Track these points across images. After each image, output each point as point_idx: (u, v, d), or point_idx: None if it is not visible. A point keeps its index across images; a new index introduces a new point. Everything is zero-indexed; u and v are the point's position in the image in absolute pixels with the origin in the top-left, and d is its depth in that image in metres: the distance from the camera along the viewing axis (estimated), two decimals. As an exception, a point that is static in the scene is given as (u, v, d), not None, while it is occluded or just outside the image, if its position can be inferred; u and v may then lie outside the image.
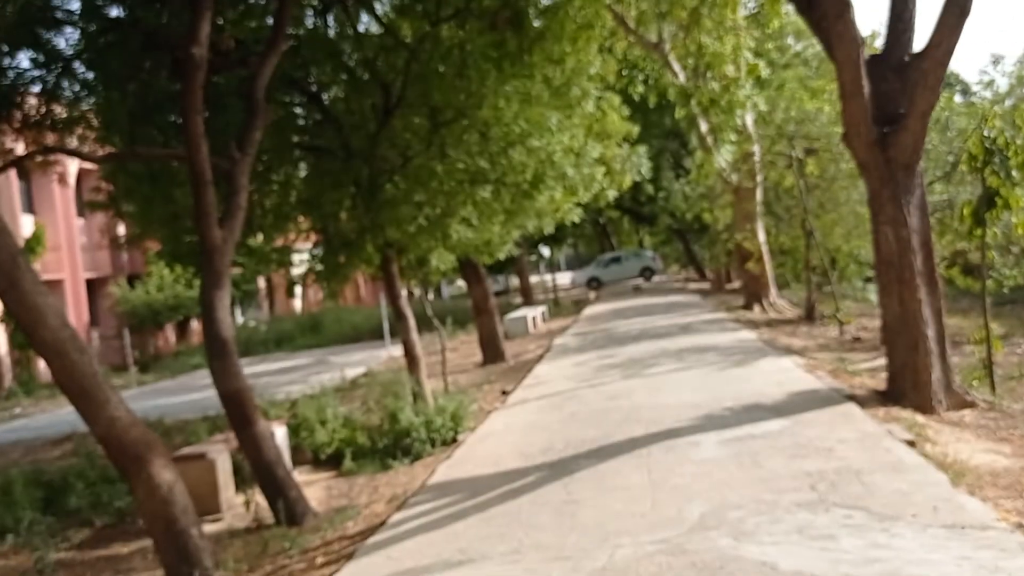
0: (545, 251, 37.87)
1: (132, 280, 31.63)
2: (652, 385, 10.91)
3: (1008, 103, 19.64)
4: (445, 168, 11.24)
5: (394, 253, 12.64)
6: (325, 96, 12.36)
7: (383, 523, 6.54)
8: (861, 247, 17.84)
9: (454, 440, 10.31)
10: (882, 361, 11.55)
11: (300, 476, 9.64)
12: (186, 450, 8.70)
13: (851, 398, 8.57)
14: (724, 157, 17.26)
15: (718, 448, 7.16)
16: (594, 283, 43.34)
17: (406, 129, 11.54)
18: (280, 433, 9.89)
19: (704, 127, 20.39)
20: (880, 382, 9.64)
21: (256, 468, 7.45)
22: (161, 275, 29.76)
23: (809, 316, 18.16)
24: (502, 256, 15.18)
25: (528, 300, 29.37)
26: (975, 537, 4.59)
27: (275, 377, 21.88)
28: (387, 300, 12.83)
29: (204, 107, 7.93)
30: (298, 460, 10.50)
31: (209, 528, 6.73)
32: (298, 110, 12.52)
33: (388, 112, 11.71)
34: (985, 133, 8.80)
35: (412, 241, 12.65)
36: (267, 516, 7.19)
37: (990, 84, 22.64)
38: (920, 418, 7.84)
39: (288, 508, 7.09)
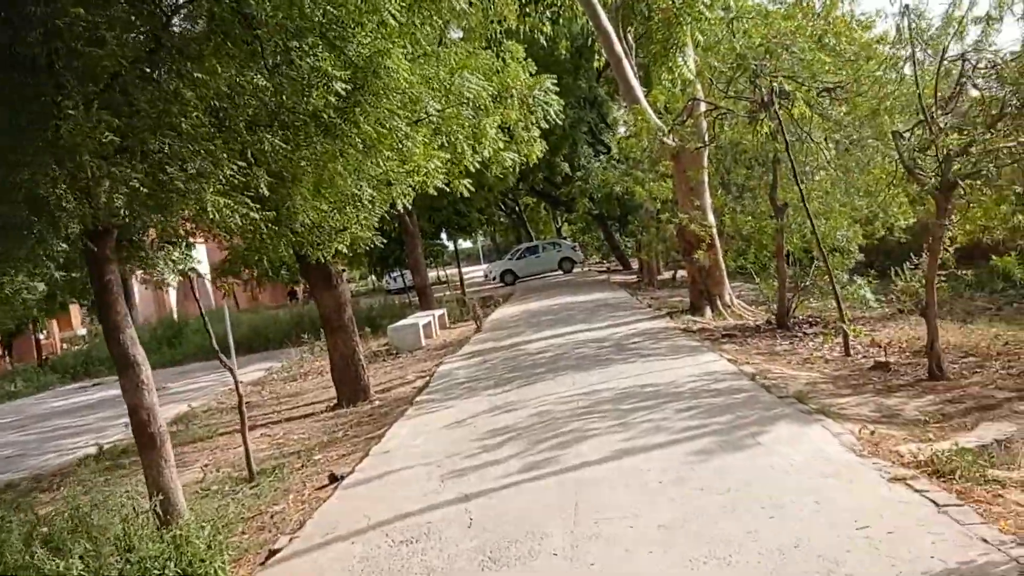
0: (449, 242, 32.09)
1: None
2: (577, 511, 5.14)
3: None
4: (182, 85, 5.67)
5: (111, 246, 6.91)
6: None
7: None
8: (838, 228, 12.56)
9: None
10: (991, 428, 6.14)
11: None
12: None
13: None
14: (688, 68, 11.58)
15: None
16: (509, 276, 37.56)
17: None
18: None
19: (631, 73, 14.75)
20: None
21: None
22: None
23: (781, 323, 12.78)
24: (342, 248, 9.48)
25: (425, 302, 23.43)
26: None
27: (66, 419, 15.60)
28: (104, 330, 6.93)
29: None
30: None
31: None
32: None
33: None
34: None
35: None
36: None
37: None
38: None
39: None
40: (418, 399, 10.52)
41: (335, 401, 11.98)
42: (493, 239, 64.37)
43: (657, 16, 11.09)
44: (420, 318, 19.00)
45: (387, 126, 7.39)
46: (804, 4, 12.53)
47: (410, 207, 8.94)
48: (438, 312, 21.02)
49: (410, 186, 8.39)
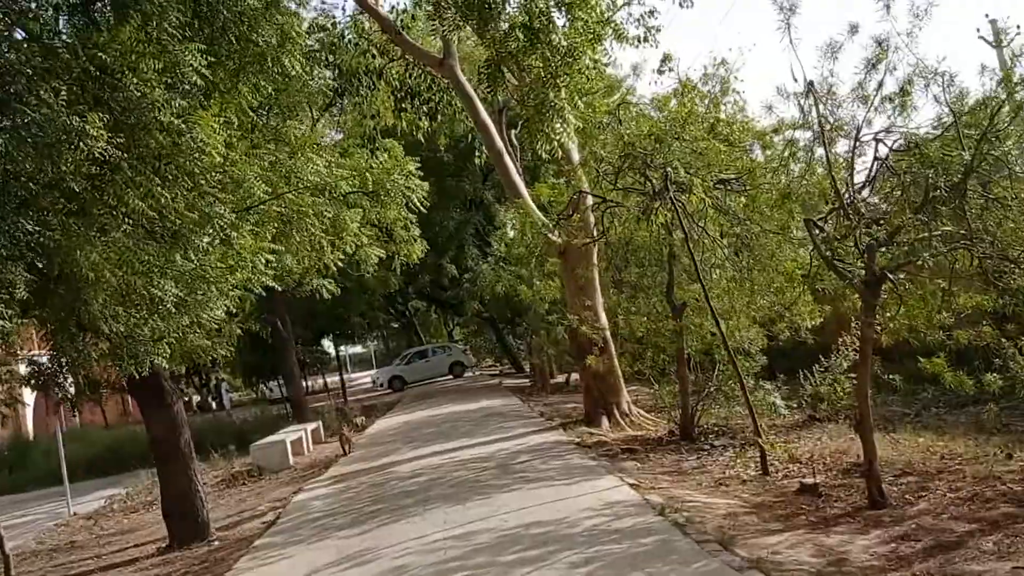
0: (331, 347, 29.99)
1: None
2: None
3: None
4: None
5: None
6: None
7: None
8: (739, 329, 11.41)
9: None
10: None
11: None
12: None
13: None
14: (568, 135, 10.28)
15: None
16: (397, 383, 35.41)
17: None
18: None
19: (512, 168, 13.63)
20: None
21: None
22: None
23: (686, 434, 11.39)
24: (162, 361, 7.53)
25: (300, 414, 21.17)
26: None
27: None
28: None
29: None
30: None
31: None
32: None
33: None
34: None
35: None
36: None
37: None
38: None
39: None
40: (259, 542, 8.42)
41: (166, 543, 9.74)
42: (385, 343, 62.06)
43: (531, 75, 9.93)
44: (289, 434, 16.77)
45: (207, 211, 5.71)
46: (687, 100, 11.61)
47: (234, 311, 7.13)
48: (311, 426, 18.78)
49: (233, 285, 6.65)
